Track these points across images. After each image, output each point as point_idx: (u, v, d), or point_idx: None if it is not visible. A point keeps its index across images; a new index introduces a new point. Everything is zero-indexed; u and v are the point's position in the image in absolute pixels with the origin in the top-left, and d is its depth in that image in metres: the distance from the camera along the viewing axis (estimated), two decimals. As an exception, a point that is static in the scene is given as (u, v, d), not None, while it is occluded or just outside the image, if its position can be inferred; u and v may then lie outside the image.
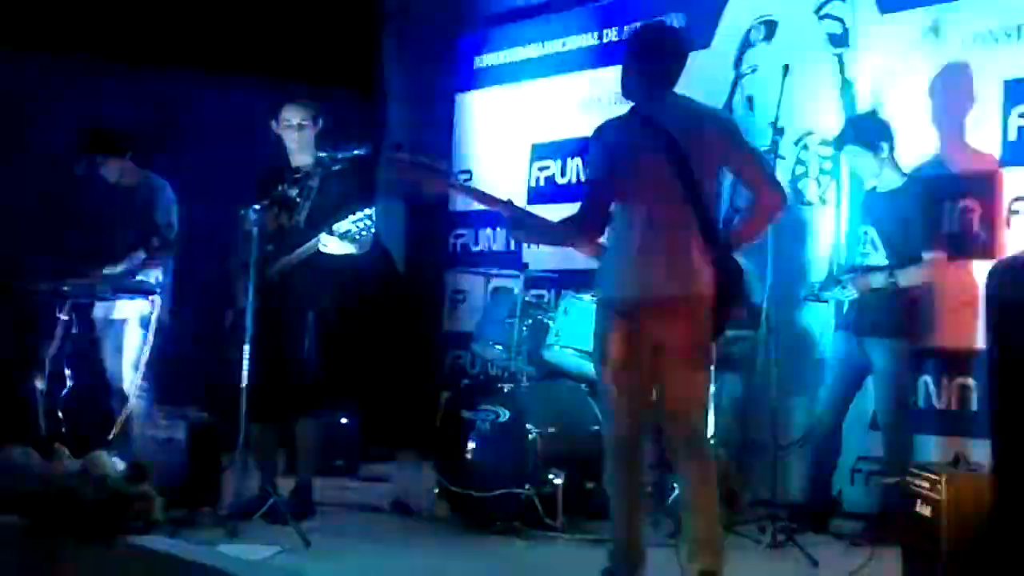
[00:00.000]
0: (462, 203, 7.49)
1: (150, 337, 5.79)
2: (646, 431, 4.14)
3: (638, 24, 6.42)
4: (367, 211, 5.04)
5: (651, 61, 4.07)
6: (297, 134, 5.31)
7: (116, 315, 5.91)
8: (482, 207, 4.51)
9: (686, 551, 3.98)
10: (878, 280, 5.00)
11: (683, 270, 3.92)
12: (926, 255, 4.98)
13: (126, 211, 6.00)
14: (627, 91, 4.12)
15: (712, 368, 4.22)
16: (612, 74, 6.70)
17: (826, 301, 5.28)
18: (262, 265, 5.04)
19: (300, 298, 5.23)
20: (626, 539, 4.04)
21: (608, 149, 4.04)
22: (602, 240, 4.15)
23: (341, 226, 4.98)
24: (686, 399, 4.01)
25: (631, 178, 3.98)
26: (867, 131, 5.14)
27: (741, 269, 4.09)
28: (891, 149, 5.10)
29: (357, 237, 5.02)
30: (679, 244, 3.92)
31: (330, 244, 5.02)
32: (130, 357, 5.88)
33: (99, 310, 5.92)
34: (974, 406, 5.13)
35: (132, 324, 5.88)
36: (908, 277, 4.98)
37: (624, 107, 4.16)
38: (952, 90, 5.32)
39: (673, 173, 3.91)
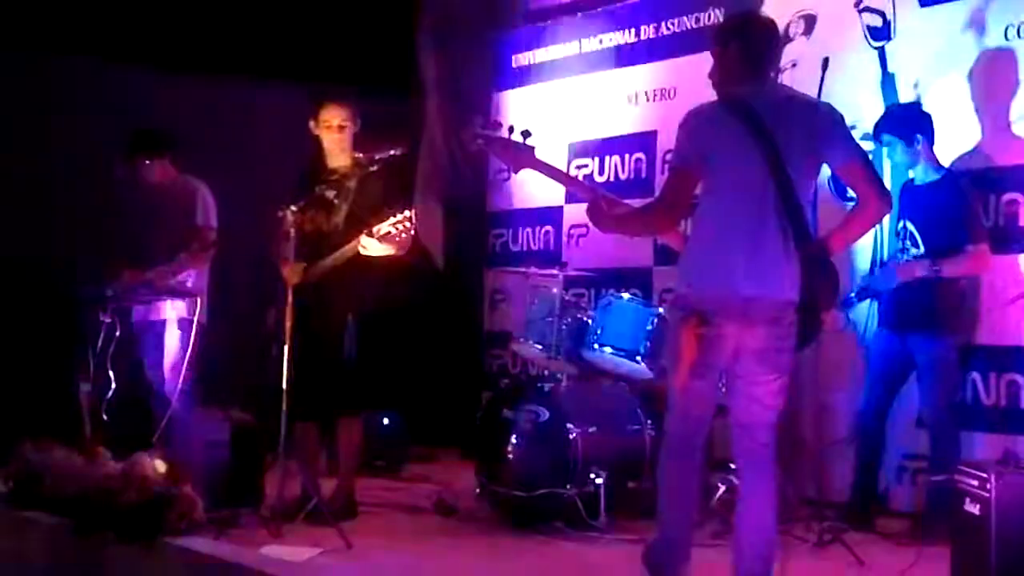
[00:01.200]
0: (501, 203, 7.48)
1: (191, 339, 5.81)
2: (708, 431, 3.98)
3: (672, 24, 6.48)
4: (406, 212, 5.03)
5: (749, 45, 3.84)
6: (337, 135, 5.31)
7: (156, 317, 5.95)
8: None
9: (735, 557, 3.83)
10: (922, 268, 4.94)
11: (764, 270, 3.68)
12: (970, 247, 4.90)
13: (166, 213, 6.03)
14: (720, 79, 3.90)
15: (786, 377, 3.83)
16: (651, 71, 6.76)
17: (873, 297, 5.21)
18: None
19: (340, 299, 5.23)
20: (674, 538, 3.96)
21: (696, 135, 3.81)
22: (683, 230, 3.99)
23: (381, 228, 4.97)
24: (759, 410, 3.79)
25: (717, 168, 3.75)
26: (903, 121, 5.08)
27: (835, 273, 3.83)
28: (929, 142, 5.03)
29: (397, 239, 5.01)
30: (762, 242, 3.68)
31: (369, 246, 5.02)
32: (171, 359, 5.91)
33: (139, 312, 5.96)
34: (1023, 403, 5.05)
35: (172, 326, 5.92)
36: (952, 267, 4.91)
37: (706, 96, 3.95)
38: (995, 79, 5.24)
39: (763, 165, 3.68)
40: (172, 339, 5.91)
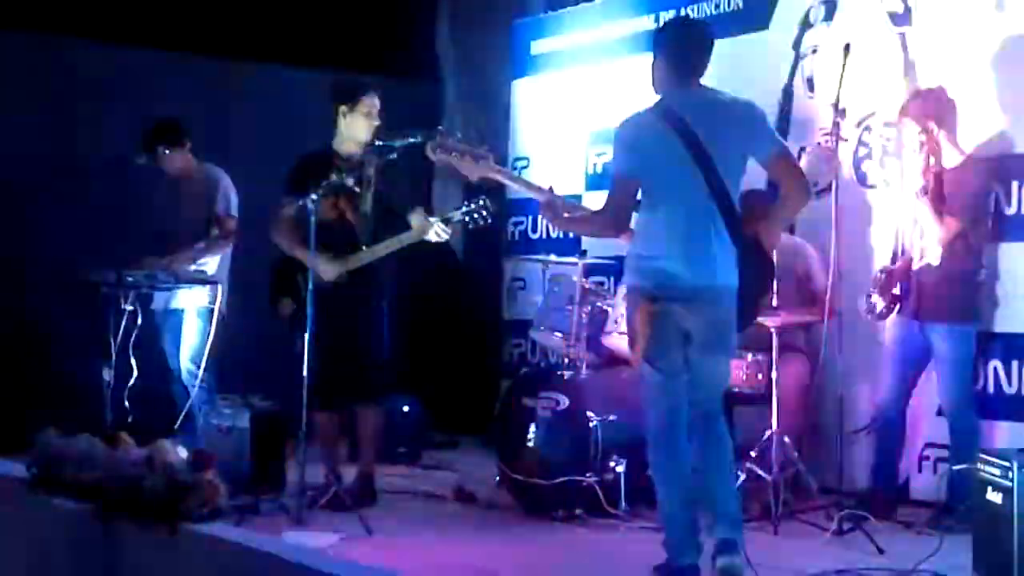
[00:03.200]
0: (519, 190, 7.46)
1: (211, 326, 5.83)
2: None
3: (692, 9, 6.47)
4: (482, 200, 5.07)
5: (675, 54, 4.16)
6: (374, 123, 5.29)
7: (176, 305, 5.98)
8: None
9: (706, 523, 4.11)
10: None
11: (701, 260, 4.01)
12: (947, 218, 4.89)
13: (186, 202, 6.06)
14: (655, 84, 4.22)
15: (732, 356, 4.34)
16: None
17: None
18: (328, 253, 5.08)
19: (375, 287, 5.25)
20: (680, 531, 4.09)
21: (630, 143, 4.14)
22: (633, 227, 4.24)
23: (454, 215, 5.02)
24: (707, 385, 4.13)
25: (653, 172, 4.08)
26: (927, 107, 5.04)
27: (769, 262, 4.18)
28: (952, 128, 4.99)
29: (471, 226, 5.06)
30: (698, 236, 4.02)
31: (435, 234, 5.06)
32: (191, 346, 5.93)
33: (160, 300, 5.99)
34: (1045, 391, 5.04)
35: (192, 313, 5.94)
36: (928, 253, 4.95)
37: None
38: (1017, 65, 5.20)
39: (694, 166, 4.00)
40: (193, 327, 5.94)
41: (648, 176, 4.10)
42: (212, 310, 5.81)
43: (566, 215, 4.47)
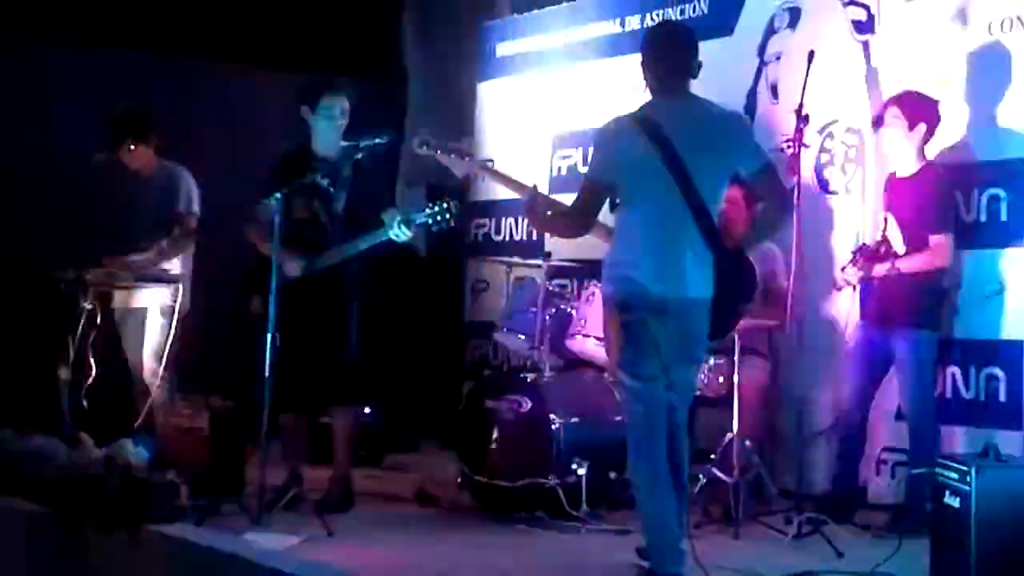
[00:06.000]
0: (483, 192, 7.47)
1: (172, 325, 5.79)
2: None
3: (656, 15, 6.50)
4: (447, 203, 5.06)
5: (658, 61, 4.16)
6: (339, 123, 5.26)
7: (137, 304, 5.92)
8: (503, 196, 4.57)
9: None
10: (881, 268, 4.99)
11: (673, 273, 4.03)
12: (932, 238, 4.93)
13: (148, 199, 6.00)
14: (647, 89, 4.22)
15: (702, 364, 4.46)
16: (635, 62, 6.74)
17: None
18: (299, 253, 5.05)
19: (345, 287, 5.22)
20: (663, 534, 4.07)
21: (605, 148, 4.17)
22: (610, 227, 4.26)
23: (418, 218, 5.02)
24: (679, 394, 4.16)
25: (627, 178, 4.09)
26: (912, 104, 5.07)
27: (752, 270, 4.22)
28: (928, 133, 5.04)
29: (435, 228, 5.08)
30: (672, 248, 4.03)
31: (401, 235, 5.05)
32: (152, 346, 5.88)
33: (120, 299, 5.94)
34: (1002, 397, 5.09)
35: (154, 312, 5.89)
36: (909, 263, 4.96)
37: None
38: (979, 73, 5.26)
39: (668, 175, 3.99)
40: (153, 326, 5.88)
41: (622, 182, 4.11)
42: (174, 309, 5.76)
43: (548, 213, 4.48)
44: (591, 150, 4.23)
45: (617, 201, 4.18)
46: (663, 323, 4.03)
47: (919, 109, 5.06)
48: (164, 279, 5.84)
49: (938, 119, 5.08)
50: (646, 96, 4.24)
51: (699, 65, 4.16)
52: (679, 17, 6.49)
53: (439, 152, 4.55)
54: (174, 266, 5.95)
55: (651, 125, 4.05)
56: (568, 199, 5.82)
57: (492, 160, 7.44)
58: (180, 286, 5.84)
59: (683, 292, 4.04)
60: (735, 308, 4.22)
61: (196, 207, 6.01)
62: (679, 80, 4.14)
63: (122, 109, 6.12)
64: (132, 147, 5.95)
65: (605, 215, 4.30)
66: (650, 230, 4.04)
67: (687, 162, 4.00)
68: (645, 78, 4.20)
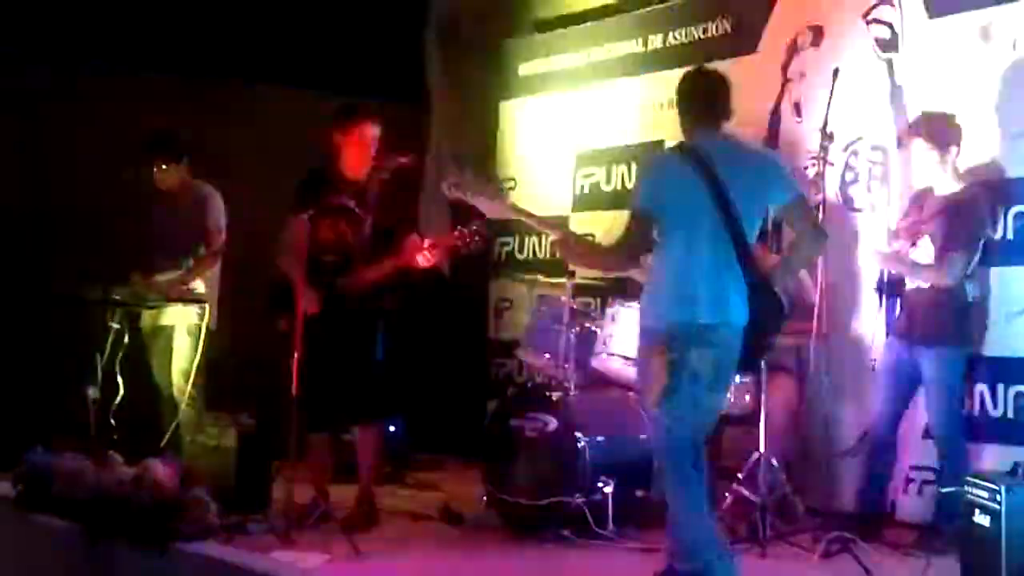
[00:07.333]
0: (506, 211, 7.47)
1: (200, 344, 5.82)
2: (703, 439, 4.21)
3: (679, 34, 6.54)
4: (475, 226, 5.09)
5: (700, 108, 4.31)
6: (370, 148, 5.28)
7: (165, 322, 5.96)
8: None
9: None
10: (915, 277, 5.01)
11: (719, 300, 4.10)
12: (951, 255, 4.93)
13: (176, 218, 6.04)
14: (683, 130, 4.36)
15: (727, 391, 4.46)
16: (658, 81, 6.78)
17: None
18: (325, 274, 5.06)
19: (373, 307, 5.24)
20: (692, 540, 4.09)
21: (652, 180, 4.31)
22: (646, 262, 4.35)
23: (449, 240, 5.09)
24: (703, 419, 4.20)
25: (674, 213, 4.18)
26: (940, 131, 5.07)
27: (779, 301, 4.23)
28: (957, 154, 5.04)
29: (464, 252, 5.15)
30: (716, 276, 4.11)
31: (425, 260, 5.09)
32: (179, 364, 5.92)
33: (147, 318, 5.97)
34: (1031, 415, 5.08)
35: (181, 331, 5.92)
36: (922, 274, 4.98)
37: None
38: (1004, 90, 5.23)
39: (714, 209, 4.11)
40: (181, 344, 5.92)
41: (668, 214, 4.19)
42: (201, 327, 5.79)
43: (579, 251, 4.62)
44: (637, 183, 4.38)
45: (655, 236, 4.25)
46: (705, 353, 4.09)
47: (945, 134, 5.05)
48: (192, 298, 5.87)
49: (962, 136, 5.08)
50: (672, 117, 4.31)
51: (732, 111, 4.33)
52: (702, 36, 6.52)
53: (468, 194, 4.56)
54: (201, 285, 5.99)
55: (698, 157, 4.17)
56: (592, 217, 5.91)
57: (515, 180, 7.51)
58: (207, 305, 5.87)
59: (727, 318, 4.12)
60: (765, 338, 4.29)
61: (223, 224, 6.04)
62: (717, 122, 4.30)
63: (148, 127, 6.17)
64: (163, 166, 6.00)
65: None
66: (695, 258, 4.12)
67: (730, 193, 4.12)
68: (682, 121, 4.34)
